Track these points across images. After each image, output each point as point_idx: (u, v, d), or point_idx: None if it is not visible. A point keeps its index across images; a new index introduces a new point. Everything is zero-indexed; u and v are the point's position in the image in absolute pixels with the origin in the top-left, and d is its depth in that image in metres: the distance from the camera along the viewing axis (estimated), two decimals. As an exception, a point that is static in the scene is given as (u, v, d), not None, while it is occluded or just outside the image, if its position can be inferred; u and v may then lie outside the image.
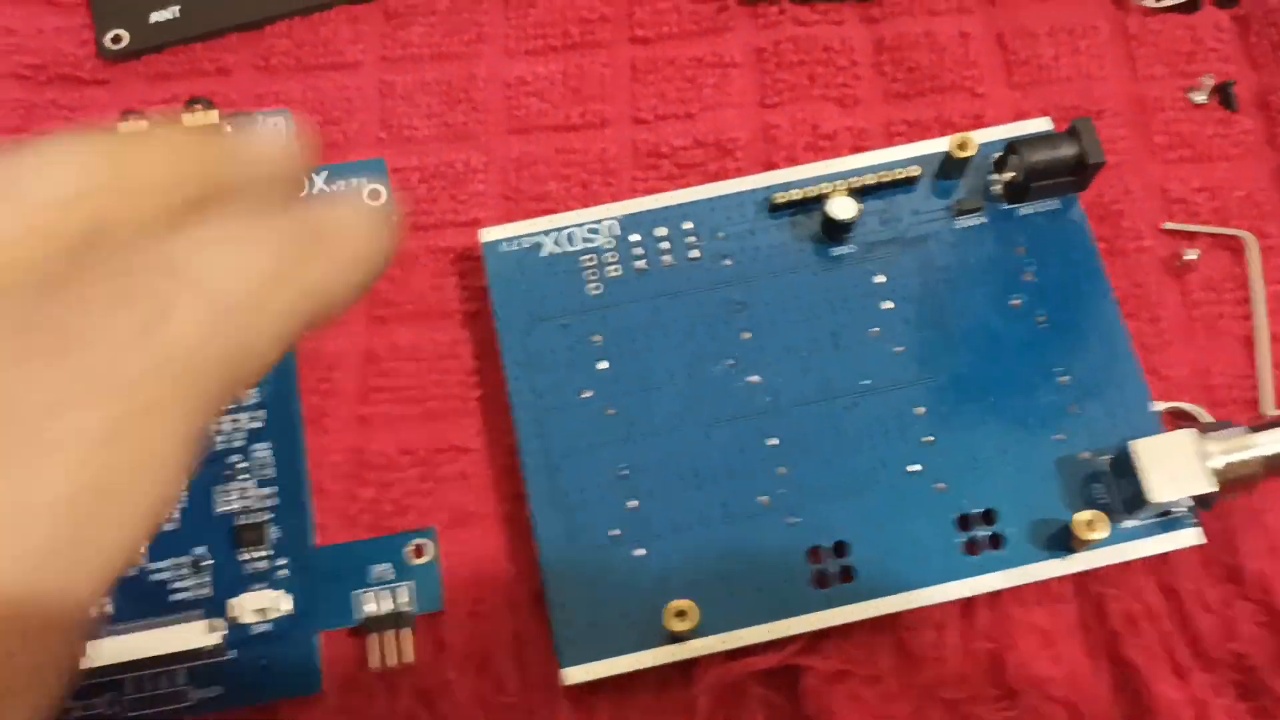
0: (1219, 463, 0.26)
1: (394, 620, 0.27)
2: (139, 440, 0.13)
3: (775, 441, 0.28)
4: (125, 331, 0.13)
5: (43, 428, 0.13)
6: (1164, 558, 0.28)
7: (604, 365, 0.29)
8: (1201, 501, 0.27)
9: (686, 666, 0.27)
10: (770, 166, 0.32)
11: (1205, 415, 0.29)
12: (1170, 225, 0.31)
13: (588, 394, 0.29)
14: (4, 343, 0.13)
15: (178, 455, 0.14)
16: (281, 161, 0.17)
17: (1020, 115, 0.32)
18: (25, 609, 0.13)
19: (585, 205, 0.32)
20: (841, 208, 0.29)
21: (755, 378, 0.29)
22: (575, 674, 0.26)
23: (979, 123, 0.32)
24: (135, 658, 0.26)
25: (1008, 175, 0.30)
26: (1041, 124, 0.31)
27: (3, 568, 0.12)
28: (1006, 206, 0.30)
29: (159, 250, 0.14)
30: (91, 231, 0.14)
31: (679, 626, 0.26)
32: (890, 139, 0.32)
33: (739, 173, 0.32)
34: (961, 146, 0.29)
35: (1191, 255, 0.30)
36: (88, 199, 0.14)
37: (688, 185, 0.32)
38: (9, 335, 0.13)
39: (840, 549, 0.27)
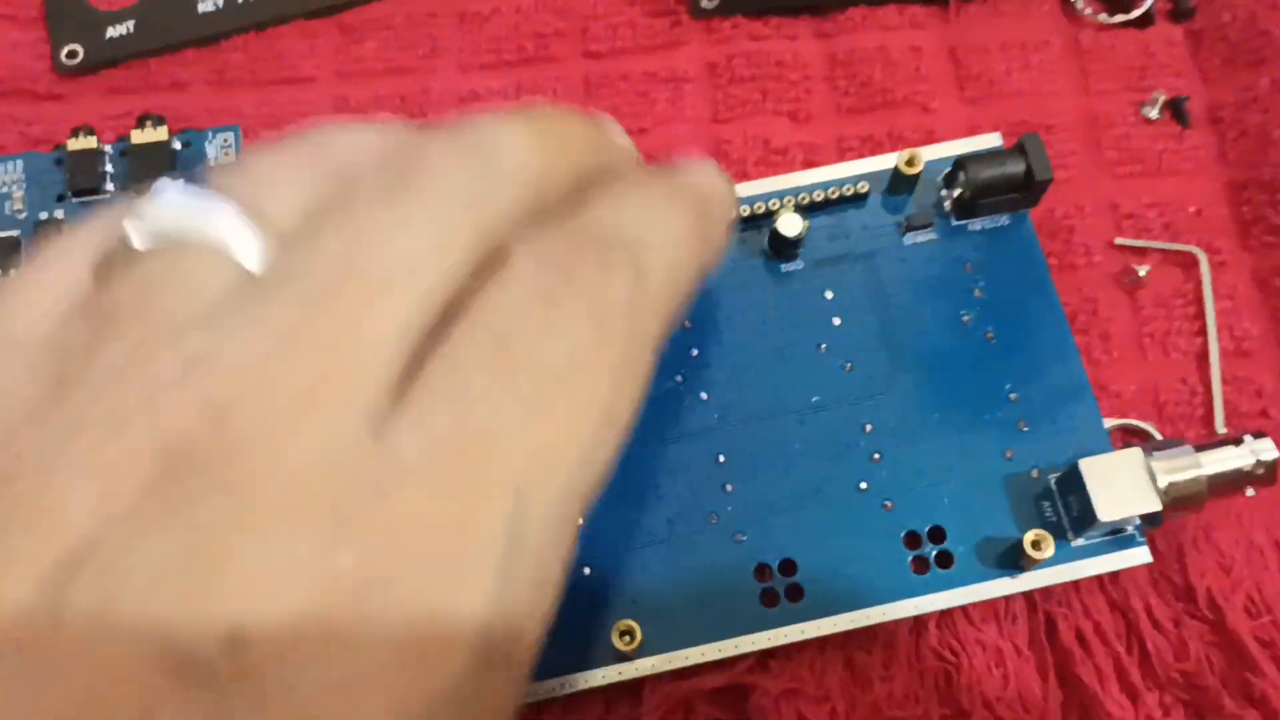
0: (1165, 481, 0.26)
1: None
2: (630, 381, 0.16)
3: (723, 458, 0.28)
4: (617, 293, 0.16)
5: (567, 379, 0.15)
6: (1114, 576, 0.28)
7: (552, 382, 0.29)
8: (1149, 520, 0.27)
9: (634, 686, 0.27)
10: (723, 182, 0.32)
11: (1155, 432, 0.29)
12: (1122, 241, 0.31)
13: (535, 411, 0.28)
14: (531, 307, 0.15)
15: (644, 386, 0.17)
16: (631, 149, 0.20)
17: (972, 130, 0.32)
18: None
19: (537, 221, 0.32)
20: (789, 224, 0.29)
21: (703, 395, 0.29)
22: (517, 695, 0.26)
23: (931, 138, 0.32)
24: None
25: (956, 192, 0.30)
26: (991, 140, 0.31)
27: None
28: (956, 222, 0.30)
29: (596, 219, 0.16)
30: (537, 201, 0.16)
31: (624, 646, 0.26)
32: (842, 154, 0.32)
33: (691, 188, 0.32)
34: (909, 163, 0.29)
35: (1142, 271, 0.30)
36: (541, 173, 0.16)
37: (640, 201, 0.32)
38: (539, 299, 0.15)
39: (788, 567, 0.27)
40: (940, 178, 0.30)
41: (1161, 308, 0.30)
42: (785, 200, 0.30)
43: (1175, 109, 0.32)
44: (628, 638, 0.26)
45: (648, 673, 0.26)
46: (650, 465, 0.28)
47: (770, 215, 0.30)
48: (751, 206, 0.30)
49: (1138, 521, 0.27)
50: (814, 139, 0.32)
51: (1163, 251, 0.31)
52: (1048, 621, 0.27)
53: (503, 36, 0.34)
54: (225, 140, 0.31)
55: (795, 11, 0.34)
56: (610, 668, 0.26)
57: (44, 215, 0.30)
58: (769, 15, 0.34)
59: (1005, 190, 0.29)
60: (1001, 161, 0.29)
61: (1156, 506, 0.26)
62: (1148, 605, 0.27)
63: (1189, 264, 0.30)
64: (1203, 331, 0.30)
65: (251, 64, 0.33)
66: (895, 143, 0.32)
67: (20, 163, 0.31)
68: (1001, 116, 0.32)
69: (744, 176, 0.32)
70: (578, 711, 0.27)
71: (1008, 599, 0.27)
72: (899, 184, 0.30)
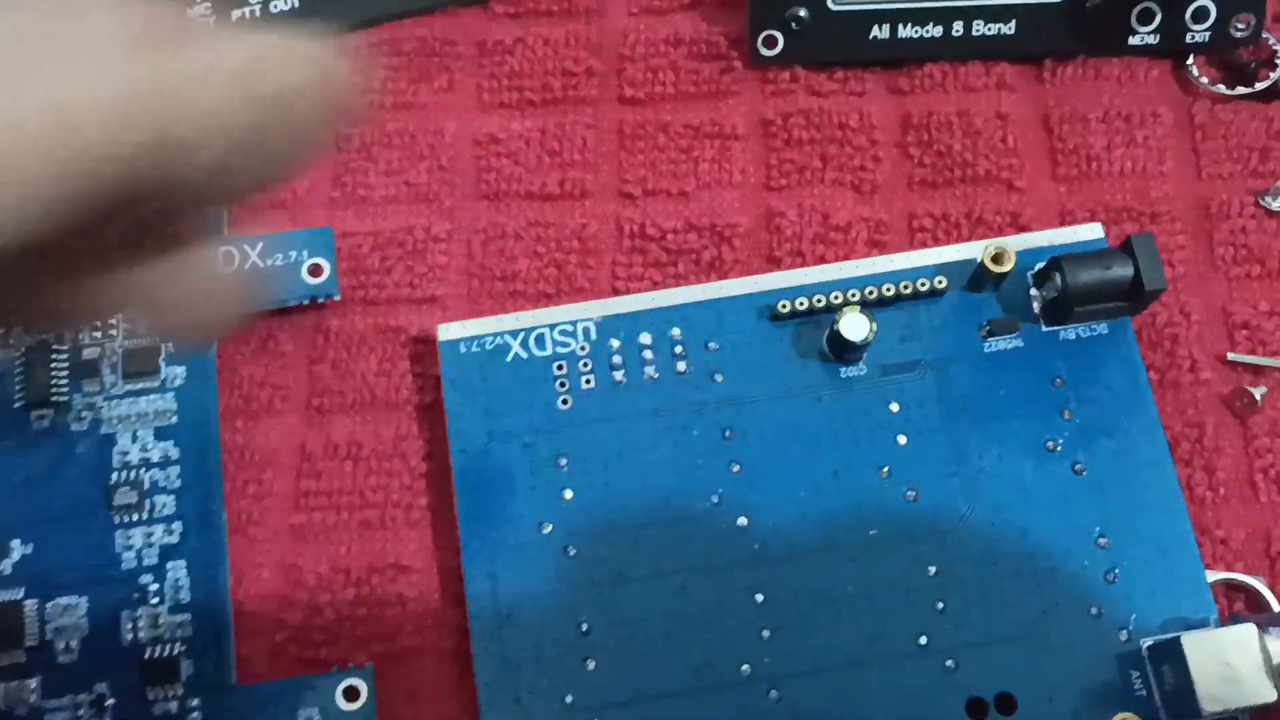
0: (1283, 665, 0.22)
1: (315, 785, 0.24)
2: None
3: (761, 598, 0.24)
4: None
5: None
6: (1209, 758, 0.24)
7: (569, 495, 0.25)
8: (1262, 711, 0.23)
9: None
10: (773, 260, 0.28)
11: (1267, 591, 0.25)
12: (1235, 356, 0.27)
13: (548, 528, 0.25)
14: None
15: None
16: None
17: (1064, 215, 0.28)
18: None
19: (558, 289, 0.28)
20: (853, 326, 0.25)
21: (743, 520, 0.25)
22: None
23: (1017, 221, 0.28)
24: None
25: (1049, 294, 0.26)
26: (1091, 231, 0.27)
27: None
28: (1045, 329, 0.26)
29: None
30: None
31: (636, 827, 0.22)
32: (912, 234, 0.28)
33: (737, 265, 0.28)
34: (996, 260, 0.25)
35: (1258, 393, 0.26)
36: None
37: (677, 275, 0.28)
38: None
39: (831, 731, 0.23)
40: (1030, 274, 0.26)
41: None
42: (849, 294, 0.26)
43: (1302, 201, 0.28)
44: (642, 811, 0.22)
45: None
46: (675, 602, 0.24)
47: (830, 310, 0.26)
48: (810, 299, 0.26)
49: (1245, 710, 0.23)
50: (881, 215, 0.28)
51: (1282, 372, 0.27)
52: (1130, 809, 0.24)
53: (527, 73, 0.30)
54: (208, 186, 0.27)
55: (866, 64, 0.29)
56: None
57: (-3, 267, 0.26)
58: (835, 68, 0.29)
59: (1107, 297, 0.25)
60: (1106, 264, 0.25)
61: (1272, 697, 0.22)
62: (1248, 799, 0.24)
63: (1312, 389, 0.26)
64: (1325, 472, 0.26)
65: (244, 93, 0.29)
66: (974, 225, 0.28)
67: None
68: (1099, 200, 0.28)
69: (798, 255, 0.28)
70: None
71: (1084, 780, 0.24)
72: (982, 280, 0.26)
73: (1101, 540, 0.25)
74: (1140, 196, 0.28)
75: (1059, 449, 0.25)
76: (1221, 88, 0.29)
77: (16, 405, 0.26)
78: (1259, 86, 0.29)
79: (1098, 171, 0.28)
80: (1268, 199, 0.28)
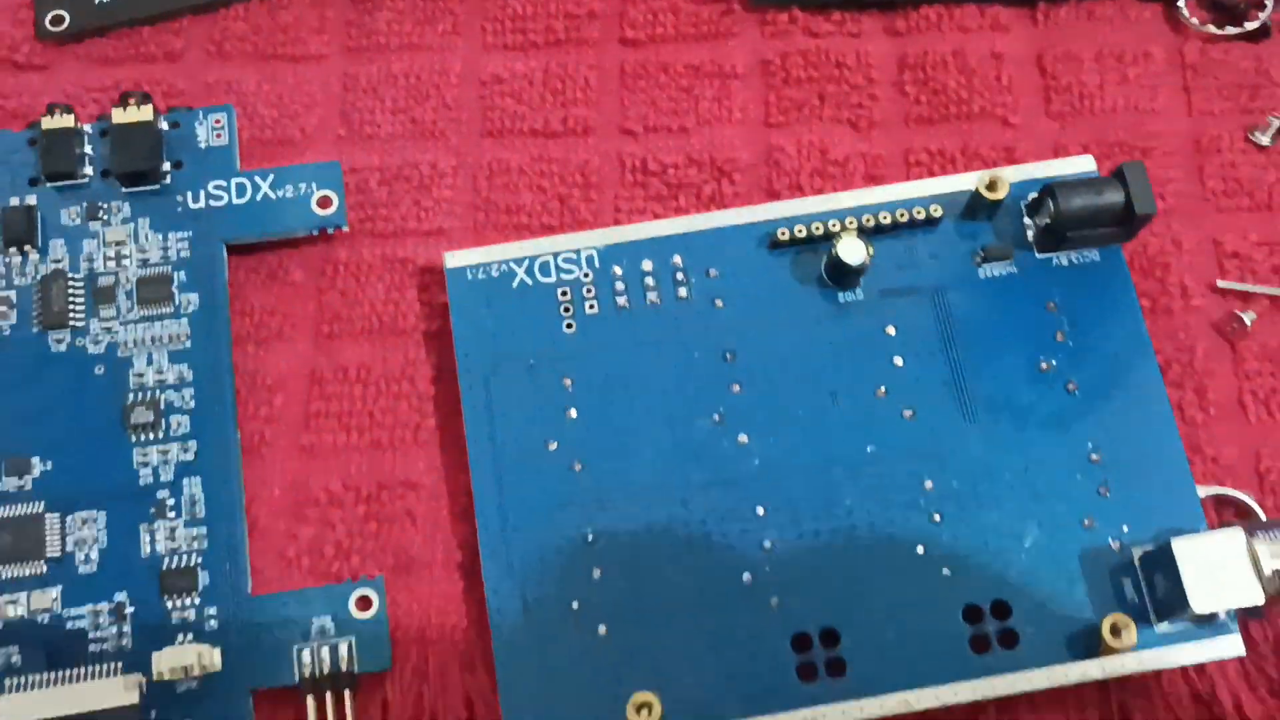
0: (1271, 568, 0.23)
1: (334, 680, 0.24)
2: None
3: (762, 510, 0.25)
4: None
5: None
6: (1199, 666, 0.24)
7: (574, 414, 0.26)
8: (1248, 611, 0.23)
9: (649, 764, 0.24)
10: (772, 193, 0.28)
11: (1255, 506, 0.25)
12: (1225, 283, 0.27)
13: (553, 445, 0.25)
14: None
15: None
16: None
17: (1058, 150, 0.29)
18: None
19: (562, 222, 0.28)
20: (851, 250, 0.25)
21: (743, 437, 0.25)
22: (519, 773, 0.23)
23: (1011, 156, 0.29)
24: (43, 716, 0.23)
25: (1042, 221, 0.26)
26: (1083, 163, 0.27)
27: None
28: (1039, 255, 0.27)
29: None
30: None
31: (640, 725, 0.23)
32: (909, 169, 0.29)
33: (737, 199, 0.28)
34: (991, 187, 0.26)
35: (1248, 318, 0.27)
36: None
37: (678, 208, 0.28)
38: None
39: (830, 638, 0.24)
40: (1024, 204, 0.27)
41: (1268, 361, 0.27)
42: (847, 222, 0.26)
43: (1290, 135, 0.29)
44: (645, 711, 0.23)
45: (667, 753, 0.23)
46: (679, 515, 0.25)
47: (829, 238, 0.26)
48: (809, 227, 0.26)
49: (1233, 610, 0.24)
50: (878, 151, 0.29)
51: (1271, 297, 0.27)
52: (1122, 713, 0.24)
53: (530, 15, 0.30)
54: (218, 122, 0.28)
55: (862, 6, 0.30)
56: (625, 745, 0.23)
57: (14, 201, 0.27)
58: (832, 9, 0.30)
59: (1099, 223, 0.26)
60: (1097, 190, 0.25)
61: (1259, 599, 0.23)
62: (1237, 701, 0.24)
63: (1300, 314, 0.27)
64: (1313, 392, 0.26)
65: (253, 35, 0.30)
66: (970, 160, 0.29)
67: (-8, 139, 0.28)
68: (1092, 136, 0.29)
69: (797, 189, 0.28)
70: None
71: (1078, 686, 0.24)
72: (977, 209, 0.27)
73: (1094, 456, 0.25)
74: (1133, 132, 0.29)
75: (1052, 369, 0.26)
76: (1211, 27, 0.30)
77: (34, 329, 0.26)
78: (1248, 26, 0.29)
79: (1090, 109, 0.29)
80: (1257, 134, 0.29)
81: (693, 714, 0.23)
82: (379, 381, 0.27)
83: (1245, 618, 0.24)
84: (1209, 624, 0.24)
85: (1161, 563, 0.24)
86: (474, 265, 0.27)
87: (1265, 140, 0.29)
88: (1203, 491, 0.25)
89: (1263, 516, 0.25)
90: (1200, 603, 0.23)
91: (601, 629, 0.24)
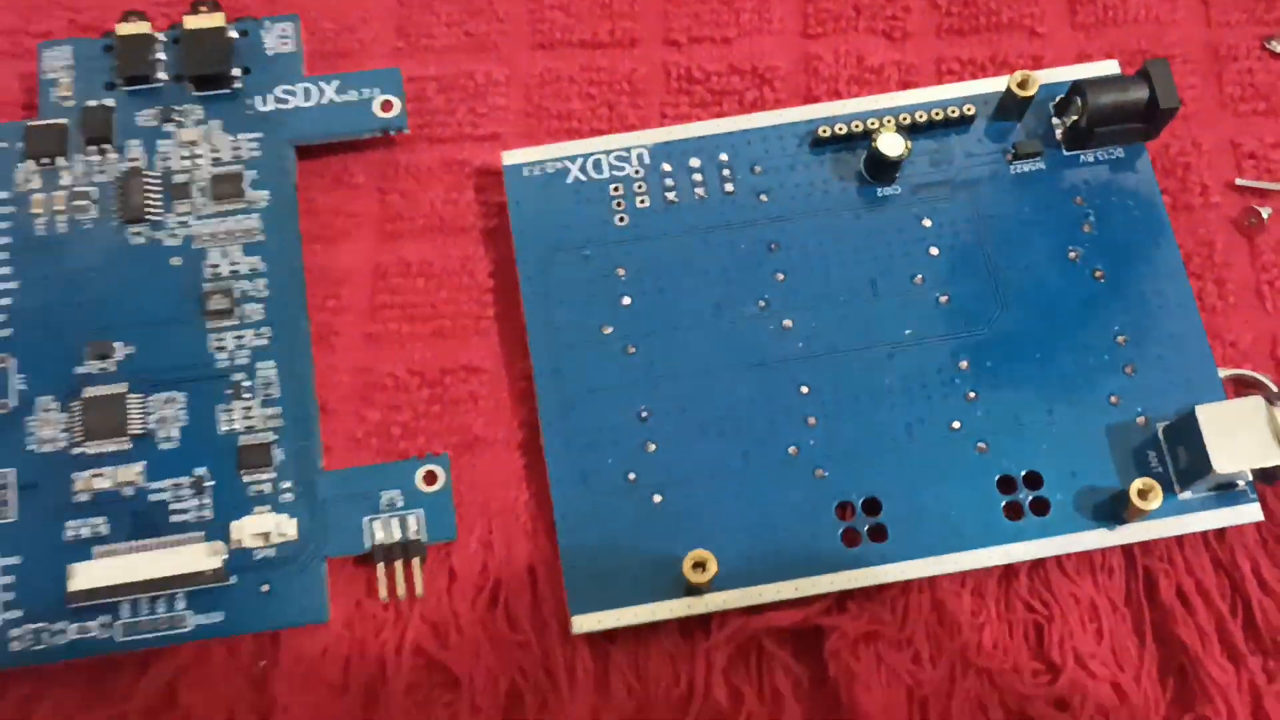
0: (1289, 432, 0.24)
1: (403, 549, 0.26)
2: None
3: (806, 389, 0.26)
4: None
5: None
6: (1220, 533, 0.26)
7: (627, 301, 0.27)
8: (1265, 475, 0.25)
9: (705, 617, 0.25)
10: (811, 99, 0.30)
11: (1271, 385, 0.27)
12: (1243, 182, 0.29)
13: (608, 330, 0.27)
14: None
15: None
16: None
17: (1082, 58, 0.30)
18: None
19: (611, 127, 0.30)
20: (890, 144, 0.27)
21: (788, 322, 0.27)
22: (584, 623, 0.24)
23: (1038, 64, 0.30)
24: (132, 580, 0.24)
25: (1070, 118, 0.28)
26: (1108, 66, 0.29)
27: None
28: (1066, 153, 0.28)
29: None
30: None
31: (697, 578, 0.24)
32: (941, 77, 0.30)
33: (777, 104, 0.30)
34: (1022, 85, 0.27)
35: (1265, 213, 0.28)
36: None
37: (722, 114, 0.30)
38: None
39: (872, 506, 0.25)
40: (1052, 104, 0.28)
41: (1282, 253, 0.28)
42: (885, 120, 0.28)
43: (1304, 43, 0.30)
44: (700, 569, 0.24)
45: (718, 608, 0.25)
46: (727, 393, 0.26)
47: (867, 135, 0.28)
48: (848, 125, 0.28)
49: (1250, 477, 0.25)
50: (911, 59, 0.30)
51: (1286, 194, 0.29)
52: (1147, 577, 0.26)
53: (579, -63, 0.32)
54: (284, 30, 0.29)
55: (896, -77, 0.31)
56: (678, 601, 0.25)
57: (91, 103, 0.28)
58: (868, -75, 0.31)
59: (1125, 119, 0.27)
60: (1123, 87, 0.27)
61: (1278, 459, 0.24)
62: (1255, 565, 0.26)
63: (1314, 208, 0.28)
64: (1326, 280, 0.28)
65: (314, -46, 0.31)
66: (999, 68, 0.30)
67: (69, 48, 0.29)
68: (1116, 44, 0.30)
69: (835, 95, 0.30)
70: (646, 639, 0.25)
71: (1105, 552, 0.26)
72: (1008, 108, 0.28)
73: (1120, 338, 0.27)
74: (1154, 41, 0.30)
75: (1080, 258, 0.27)
76: (1228, -57, 0.31)
77: (114, 223, 0.28)
78: (1264, -60, 0.31)
79: (1114, 19, 0.30)
80: (1273, 43, 0.30)
81: (744, 573, 0.25)
82: (440, 275, 0.28)
83: (1262, 483, 0.25)
84: (1229, 492, 0.25)
85: (1184, 433, 0.25)
86: (530, 163, 0.28)
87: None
88: (1222, 373, 0.27)
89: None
90: (1222, 463, 0.24)
91: (656, 498, 0.26)
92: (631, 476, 0.26)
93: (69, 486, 0.26)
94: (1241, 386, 0.27)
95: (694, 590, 0.25)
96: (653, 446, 0.26)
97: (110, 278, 0.27)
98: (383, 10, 0.31)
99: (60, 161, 0.28)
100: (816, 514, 0.25)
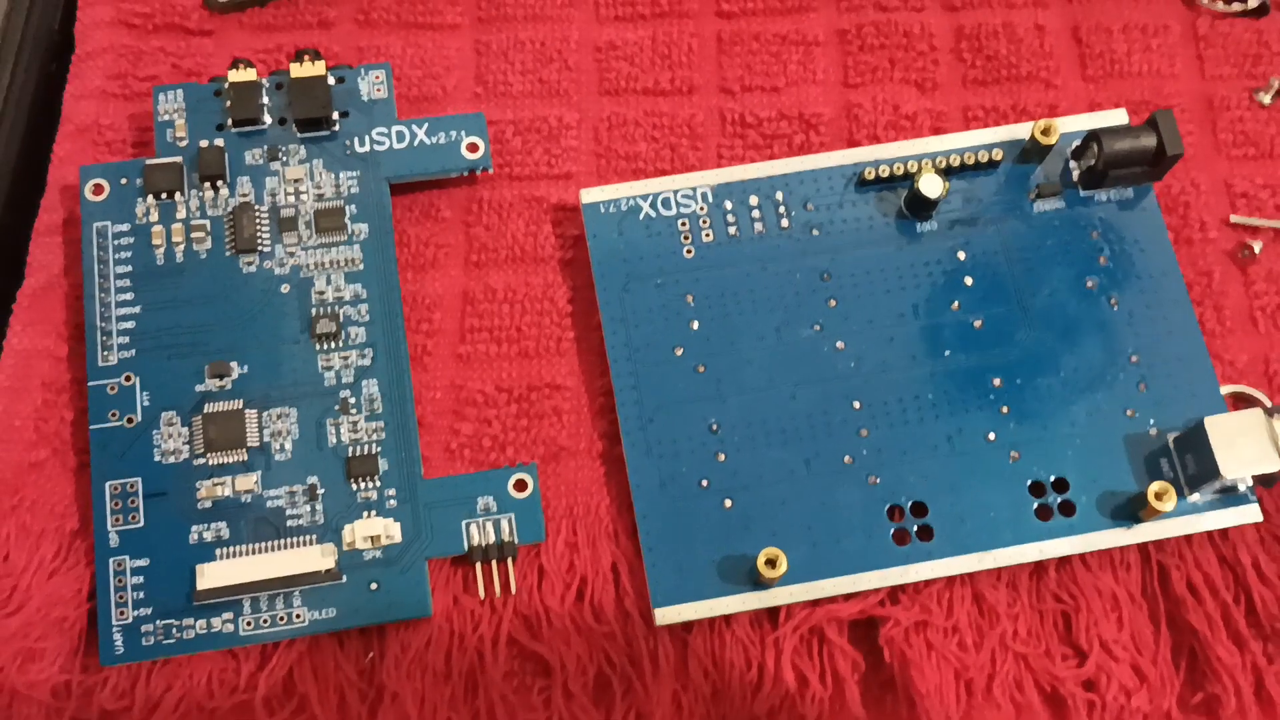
0: (1285, 441, 0.27)
1: (498, 550, 0.28)
2: None
3: (858, 405, 0.29)
4: None
5: None
6: (1224, 532, 0.29)
7: (696, 325, 0.30)
8: (1265, 480, 0.28)
9: (773, 610, 0.28)
10: (853, 143, 0.33)
11: (1265, 400, 0.30)
12: (1236, 218, 0.32)
13: (680, 351, 0.30)
14: None
15: None
16: None
17: (1092, 106, 0.34)
18: None
19: (673, 167, 0.33)
20: (930, 185, 0.30)
21: (840, 343, 0.30)
22: (666, 615, 0.27)
23: (1053, 112, 0.33)
24: (253, 579, 0.27)
25: (1087, 163, 0.31)
26: (1118, 115, 0.32)
27: None
28: (1082, 193, 0.31)
29: None
30: None
31: (769, 573, 0.27)
32: (968, 123, 0.34)
33: (823, 147, 0.33)
34: (1045, 132, 0.31)
35: (1256, 246, 0.32)
36: None
37: (772, 156, 0.33)
38: None
39: (919, 509, 0.28)
40: (1070, 149, 0.32)
41: (1273, 283, 0.32)
42: (924, 163, 0.31)
43: (1288, 96, 0.34)
44: (772, 566, 0.27)
45: (786, 601, 0.27)
46: (788, 408, 0.29)
47: (908, 177, 0.31)
48: (890, 168, 0.31)
49: (1250, 481, 0.28)
50: (941, 107, 0.34)
51: (1275, 230, 0.32)
52: (1160, 572, 0.29)
53: (638, -8, 0.35)
54: (377, 78, 0.32)
55: (924, -16, 0.35)
56: (750, 594, 0.27)
57: (204, 143, 0.31)
58: (899, -14, 0.35)
59: (1135, 163, 0.30)
60: (1135, 135, 0.30)
61: (1278, 466, 0.27)
62: (1256, 560, 0.29)
63: (1299, 243, 0.32)
64: (1311, 307, 0.31)
65: (396, 6, 0.34)
66: (1019, 115, 0.33)
67: (180, 93, 0.31)
68: (1121, 95, 0.34)
69: (874, 139, 0.33)
70: (721, 628, 0.28)
71: (1123, 549, 0.29)
72: (1031, 153, 0.31)
73: (1133, 358, 0.30)
74: (1155, 92, 0.34)
75: (1097, 287, 0.31)
76: (1220, 5, 0.35)
77: (227, 253, 0.30)
78: (1251, 4, 0.34)
79: (1120, 72, 0.34)
80: (1260, 95, 0.34)
81: (807, 570, 0.28)
82: (523, 301, 0.31)
83: (1262, 487, 0.29)
84: (1232, 495, 0.29)
85: (1193, 442, 0.28)
86: (605, 200, 0.31)
87: (1266, 100, 0.34)
88: (1222, 389, 0.30)
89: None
90: (1229, 469, 0.27)
91: (727, 503, 0.28)
92: (704, 483, 0.29)
93: (193, 494, 0.28)
94: (1239, 401, 0.30)
95: (763, 585, 0.27)
96: (722, 456, 0.29)
97: (225, 303, 0.30)
98: (463, 59, 0.34)
99: (177, 197, 0.30)
100: (870, 516, 0.28)
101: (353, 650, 0.28)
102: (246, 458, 0.28)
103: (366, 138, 0.31)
